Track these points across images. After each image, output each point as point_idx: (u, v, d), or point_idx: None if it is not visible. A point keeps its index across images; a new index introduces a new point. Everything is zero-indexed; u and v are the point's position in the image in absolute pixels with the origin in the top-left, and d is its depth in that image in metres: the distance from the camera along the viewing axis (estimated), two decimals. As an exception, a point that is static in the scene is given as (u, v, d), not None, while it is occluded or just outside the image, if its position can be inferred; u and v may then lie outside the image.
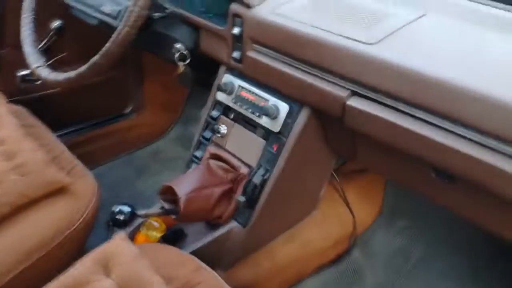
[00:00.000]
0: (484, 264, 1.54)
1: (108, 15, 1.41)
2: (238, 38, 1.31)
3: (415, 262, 1.54)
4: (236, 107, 1.37)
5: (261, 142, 1.33)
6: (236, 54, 1.33)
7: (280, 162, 1.28)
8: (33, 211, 1.17)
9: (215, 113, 1.45)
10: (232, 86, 1.38)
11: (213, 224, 1.30)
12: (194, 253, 1.12)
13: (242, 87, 1.37)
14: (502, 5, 1.15)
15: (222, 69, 1.45)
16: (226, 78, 1.41)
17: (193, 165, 1.44)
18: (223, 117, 1.43)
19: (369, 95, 1.04)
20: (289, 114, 1.27)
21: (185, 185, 1.18)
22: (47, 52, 1.51)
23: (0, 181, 1.14)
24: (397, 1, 1.23)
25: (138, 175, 2.03)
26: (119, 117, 2.13)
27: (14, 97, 1.59)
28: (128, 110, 2.16)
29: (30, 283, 1.03)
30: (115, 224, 1.12)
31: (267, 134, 1.32)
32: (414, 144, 0.97)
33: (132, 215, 1.14)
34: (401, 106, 0.98)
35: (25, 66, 1.45)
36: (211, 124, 1.46)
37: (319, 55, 1.11)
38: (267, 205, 1.31)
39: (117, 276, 0.92)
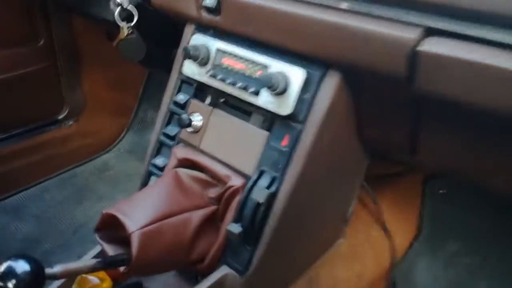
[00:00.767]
0: None
1: None
2: (212, -24, 0.84)
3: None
4: (215, 83, 0.88)
5: (261, 134, 0.84)
6: (209, 1, 0.84)
7: (296, 165, 0.80)
8: None
9: (182, 97, 0.96)
10: (206, 52, 0.89)
11: (190, 274, 0.87)
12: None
13: (223, 51, 0.88)
14: None
15: (188, 29, 0.96)
16: (196, 40, 0.92)
17: (153, 179, 0.92)
18: (195, 102, 0.94)
19: (454, 27, 0.62)
20: (306, 85, 0.79)
21: (139, 212, 0.77)
22: None
23: None
24: None
25: (77, 200, 1.60)
26: (51, 125, 1.71)
27: None
28: (62, 115, 1.74)
29: None
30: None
31: (270, 121, 0.84)
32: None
33: (36, 277, 0.60)
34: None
35: None
36: (176, 115, 0.95)
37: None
38: (277, 237, 0.81)
39: None
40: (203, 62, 0.90)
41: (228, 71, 0.87)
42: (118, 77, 1.76)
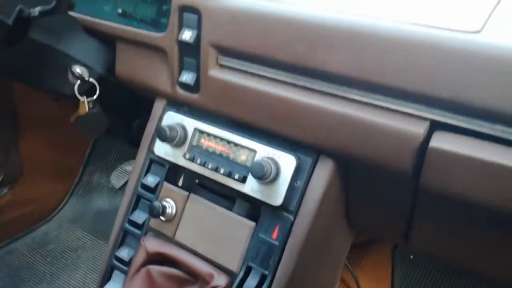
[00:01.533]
0: None
1: None
2: (190, 49, 0.77)
3: None
4: (194, 167, 0.79)
5: (247, 225, 0.76)
6: (187, 77, 0.78)
7: (289, 261, 0.72)
8: None
9: (151, 180, 0.85)
10: (182, 132, 0.81)
11: None
12: None
13: (202, 131, 0.79)
14: None
15: (159, 104, 0.87)
16: (170, 118, 0.83)
17: (116, 275, 0.79)
18: (167, 185, 0.83)
19: (463, 123, 0.58)
20: (296, 173, 0.72)
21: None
22: None
23: None
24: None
25: (14, 284, 1.38)
26: (-20, 193, 1.50)
27: None
28: (-5, 182, 1.53)
29: None
30: None
31: (257, 211, 0.75)
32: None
33: None
34: None
35: None
36: (145, 199, 0.85)
37: (366, 61, 0.61)
38: None
39: None
40: (179, 143, 0.81)
41: (209, 154, 0.79)
42: (61, 139, 1.60)
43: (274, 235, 0.74)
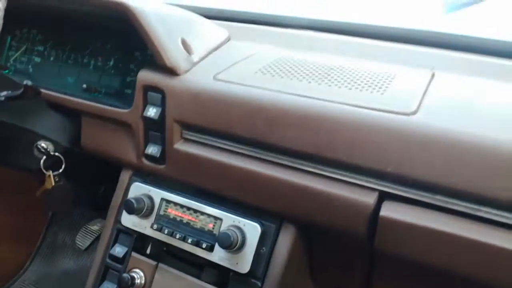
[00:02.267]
0: None
1: None
2: (155, 124, 0.80)
3: None
4: (161, 237, 0.80)
5: (215, 293, 0.77)
6: (153, 150, 0.81)
7: (258, 328, 0.74)
8: None
9: (119, 250, 0.86)
10: (149, 202, 0.83)
11: None
12: None
13: (168, 201, 0.82)
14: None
15: (125, 174, 0.89)
16: (136, 188, 0.85)
17: None
18: (135, 256, 0.84)
19: (408, 194, 0.64)
20: (262, 239, 0.75)
21: None
22: None
23: None
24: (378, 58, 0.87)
25: None
26: None
27: None
28: (-48, 248, 1.46)
29: None
30: None
31: (226, 277, 0.77)
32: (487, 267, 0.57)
33: None
34: (458, 205, 0.60)
35: None
36: (113, 270, 0.85)
37: (319, 139, 0.66)
38: None
39: None
40: (146, 214, 0.82)
41: (176, 223, 0.81)
42: (23, 200, 1.56)
43: (243, 302, 0.76)
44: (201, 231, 0.79)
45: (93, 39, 0.94)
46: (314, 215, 0.70)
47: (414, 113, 0.62)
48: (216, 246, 0.76)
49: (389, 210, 0.64)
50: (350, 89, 0.70)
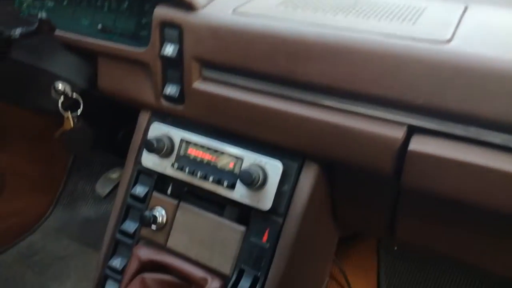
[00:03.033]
0: None
1: None
2: (173, 63, 0.78)
3: None
4: (183, 176, 0.80)
5: (238, 230, 0.78)
6: (171, 90, 0.79)
7: (280, 262, 0.75)
8: None
9: (140, 190, 0.87)
10: (169, 142, 0.82)
11: None
12: None
13: (188, 142, 0.81)
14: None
15: (144, 115, 0.88)
16: (156, 129, 0.84)
17: (110, 284, 0.81)
18: (156, 195, 0.85)
19: (439, 127, 0.61)
20: (283, 177, 0.75)
21: None
22: None
23: None
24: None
25: None
26: (-39, 209, 1.46)
27: None
28: (-25, 197, 1.49)
29: None
30: None
31: (247, 215, 0.77)
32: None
33: None
34: (493, 136, 0.58)
35: None
36: (134, 209, 0.86)
37: (345, 71, 0.64)
38: None
39: None
40: (166, 154, 0.82)
41: (197, 163, 0.81)
42: (43, 150, 1.58)
43: (265, 238, 0.76)
44: (222, 171, 0.79)
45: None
46: (338, 152, 0.68)
47: (449, 41, 0.59)
48: (238, 184, 0.76)
49: (418, 144, 0.62)
50: (379, 20, 0.67)
